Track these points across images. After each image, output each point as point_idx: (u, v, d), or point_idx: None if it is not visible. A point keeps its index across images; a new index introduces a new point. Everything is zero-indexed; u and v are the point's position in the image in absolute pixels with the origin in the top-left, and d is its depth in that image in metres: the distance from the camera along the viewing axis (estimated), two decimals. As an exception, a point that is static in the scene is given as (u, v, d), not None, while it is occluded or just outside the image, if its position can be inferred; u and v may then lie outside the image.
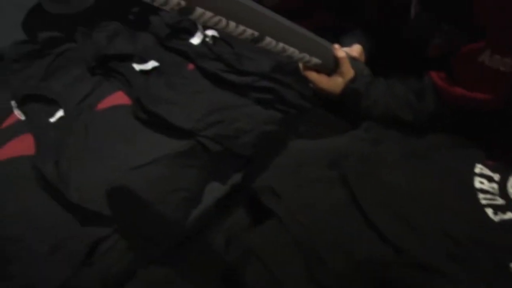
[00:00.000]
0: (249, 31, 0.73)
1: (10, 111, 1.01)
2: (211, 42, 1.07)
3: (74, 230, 0.82)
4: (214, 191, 0.89)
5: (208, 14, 0.66)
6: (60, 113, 0.97)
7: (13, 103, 1.01)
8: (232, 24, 0.70)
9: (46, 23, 1.13)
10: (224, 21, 0.68)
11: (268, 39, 0.77)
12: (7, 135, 0.96)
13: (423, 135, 0.93)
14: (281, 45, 0.79)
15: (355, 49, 0.99)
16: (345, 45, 0.98)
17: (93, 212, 0.83)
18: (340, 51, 0.92)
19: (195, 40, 1.07)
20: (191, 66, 1.04)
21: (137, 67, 1.01)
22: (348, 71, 0.93)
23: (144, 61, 1.03)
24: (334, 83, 0.94)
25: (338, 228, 0.78)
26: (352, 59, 0.95)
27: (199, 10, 0.64)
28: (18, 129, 0.97)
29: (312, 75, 0.94)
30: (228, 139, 0.90)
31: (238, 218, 0.83)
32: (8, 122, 1.00)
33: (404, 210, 0.79)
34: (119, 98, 0.99)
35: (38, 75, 1.03)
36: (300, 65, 0.94)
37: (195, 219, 0.86)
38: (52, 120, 0.96)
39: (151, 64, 1.02)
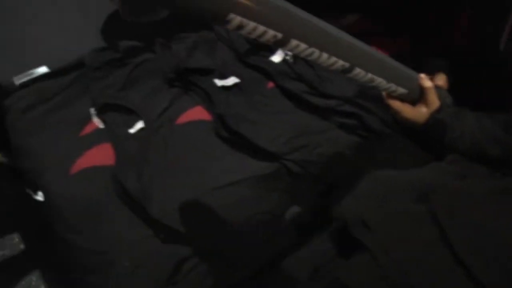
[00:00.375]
0: (341, 62, 0.72)
1: (89, 118, 1.01)
2: (291, 60, 1.06)
3: (155, 246, 0.82)
4: (295, 214, 0.88)
5: (303, 46, 0.66)
6: (139, 125, 0.97)
7: (92, 110, 1.02)
8: (325, 55, 0.69)
9: (124, 31, 1.14)
10: (317, 52, 0.68)
11: (357, 70, 0.76)
12: (86, 143, 0.97)
13: (509, 171, 0.90)
14: (369, 75, 0.78)
15: (440, 78, 0.96)
16: (428, 73, 0.96)
17: (174, 229, 0.83)
18: (427, 81, 0.90)
19: (276, 58, 1.06)
20: (270, 84, 1.03)
21: (218, 82, 1.01)
22: (434, 101, 0.91)
23: (224, 76, 1.02)
24: (418, 113, 0.92)
25: (428, 265, 0.76)
26: (437, 89, 0.93)
27: (294, 42, 0.65)
28: (97, 137, 0.98)
29: (396, 104, 0.92)
30: (311, 163, 0.89)
31: (323, 245, 0.82)
32: (88, 129, 1.00)
33: (495, 250, 0.77)
34: (198, 113, 0.98)
35: (118, 84, 1.04)
36: (384, 92, 0.92)
37: (276, 243, 0.85)
38: (132, 131, 0.97)
39: (232, 80, 1.01)
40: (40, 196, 0.95)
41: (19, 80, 1.08)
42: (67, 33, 1.19)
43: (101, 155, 0.94)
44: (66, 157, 0.95)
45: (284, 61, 1.06)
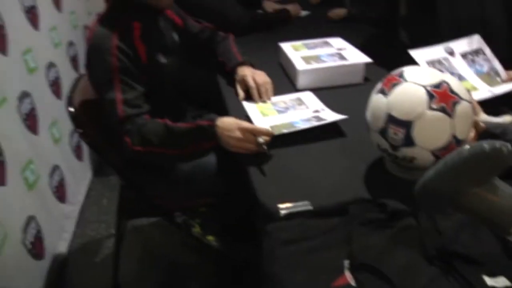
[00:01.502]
0: None
1: (342, 270, 1.05)
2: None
3: None
4: None
5: None
6: (398, 298, 0.97)
7: (346, 263, 1.05)
8: None
9: (390, 187, 1.18)
10: None
11: None
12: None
13: None
14: None
15: None
16: None
17: None
18: None
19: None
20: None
21: (488, 281, 0.97)
22: None
23: (493, 274, 0.98)
24: None
25: None
26: None
27: None
28: (349, 294, 1.00)
29: None
30: None
31: None
32: (340, 281, 1.02)
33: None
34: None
35: (379, 246, 1.05)
36: None
37: None
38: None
39: (503, 281, 0.96)
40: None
41: (283, 210, 1.18)
42: (331, 174, 1.29)
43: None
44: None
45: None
